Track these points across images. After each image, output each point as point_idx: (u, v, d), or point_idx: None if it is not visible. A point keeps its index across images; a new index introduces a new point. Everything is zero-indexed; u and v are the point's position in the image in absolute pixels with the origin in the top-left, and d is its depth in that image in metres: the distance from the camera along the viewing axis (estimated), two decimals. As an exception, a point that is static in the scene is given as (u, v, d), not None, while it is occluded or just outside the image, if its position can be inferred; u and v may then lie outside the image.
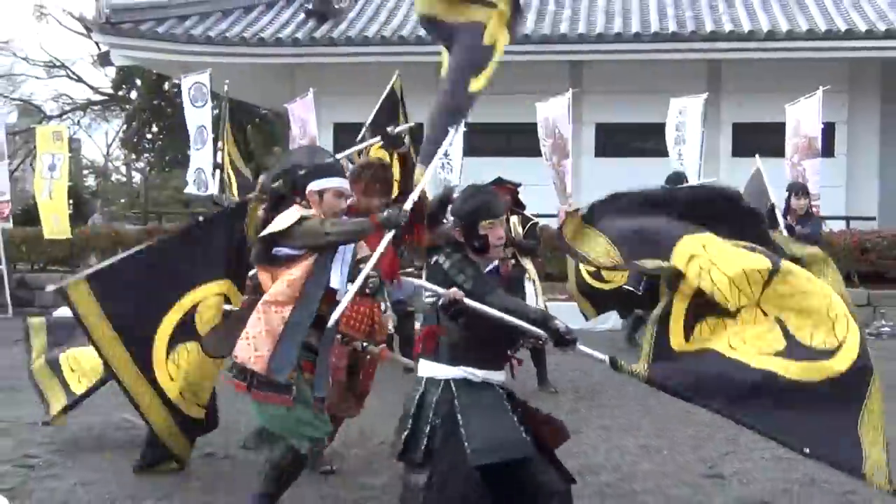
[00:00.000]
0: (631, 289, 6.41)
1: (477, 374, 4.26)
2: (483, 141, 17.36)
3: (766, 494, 6.06)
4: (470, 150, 15.98)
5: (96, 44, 26.20)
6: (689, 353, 4.31)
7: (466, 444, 4.11)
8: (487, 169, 12.38)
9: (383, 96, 10.42)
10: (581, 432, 7.25)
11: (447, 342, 4.29)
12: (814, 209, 10.29)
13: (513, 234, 9.47)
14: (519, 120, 17.71)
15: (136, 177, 42.87)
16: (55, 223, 16.88)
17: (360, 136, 9.11)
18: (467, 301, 4.11)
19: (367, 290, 5.62)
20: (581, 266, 6.68)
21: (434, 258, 4.41)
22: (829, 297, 4.24)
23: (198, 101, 16.53)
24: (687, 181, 11.20)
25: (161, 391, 5.94)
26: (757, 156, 9.87)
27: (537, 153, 16.24)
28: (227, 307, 6.09)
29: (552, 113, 15.62)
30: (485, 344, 4.29)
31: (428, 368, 4.35)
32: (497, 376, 4.36)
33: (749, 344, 4.22)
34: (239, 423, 7.81)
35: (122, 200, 39.63)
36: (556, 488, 4.20)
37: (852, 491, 6.29)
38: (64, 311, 16.46)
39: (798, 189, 9.64)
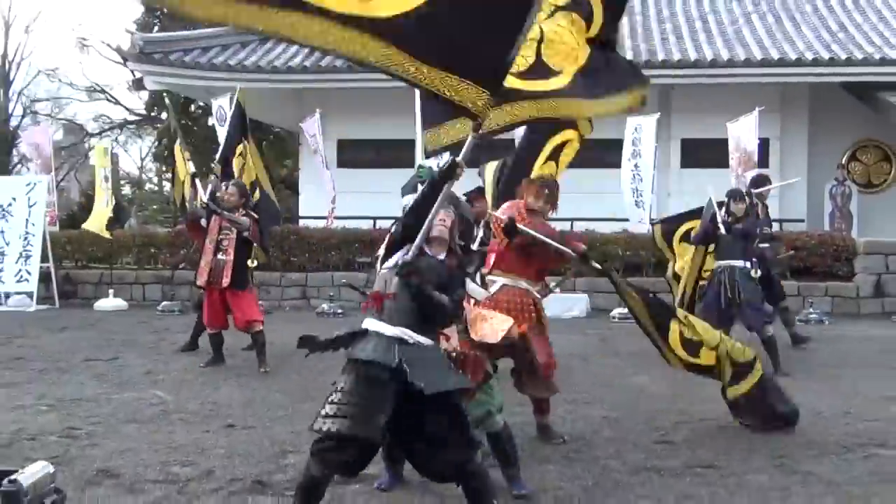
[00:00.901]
0: None
1: (414, 336, 4.24)
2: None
3: (711, 458, 6.06)
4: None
5: (131, 71, 26.15)
6: None
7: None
8: (469, 179, 12.39)
9: (230, 113, 10.31)
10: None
11: (393, 306, 4.28)
12: (758, 210, 10.29)
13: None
14: (500, 136, 17.66)
15: (167, 186, 42.69)
16: (101, 224, 16.95)
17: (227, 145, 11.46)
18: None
19: None
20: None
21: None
22: None
23: (222, 121, 16.65)
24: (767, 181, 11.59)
25: None
26: (710, 188, 9.89)
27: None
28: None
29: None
30: (423, 315, 4.27)
31: (372, 324, 4.31)
32: (427, 343, 4.31)
33: None
34: (255, 400, 7.79)
35: (155, 207, 39.51)
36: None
37: (785, 455, 6.30)
38: (104, 304, 16.42)
39: (736, 195, 9.67)
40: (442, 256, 4.48)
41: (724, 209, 9.45)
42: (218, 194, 9.86)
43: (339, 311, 14.66)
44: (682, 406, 7.82)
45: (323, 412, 4.15)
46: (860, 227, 18.02)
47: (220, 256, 9.31)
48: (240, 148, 11.40)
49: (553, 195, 6.46)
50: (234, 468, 5.64)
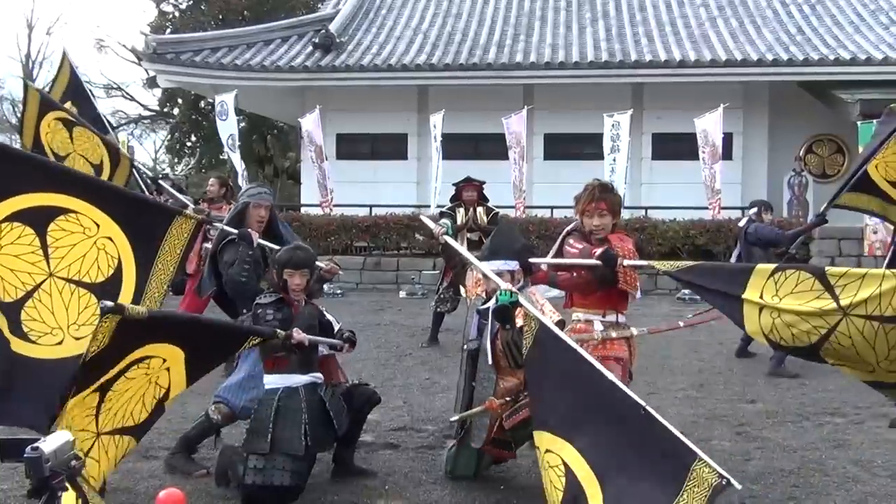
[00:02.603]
0: None
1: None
2: (457, 147, 17.34)
3: (677, 426, 6.04)
4: (447, 155, 16.03)
5: (145, 70, 25.98)
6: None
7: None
8: (460, 170, 12.38)
9: (68, 76, 7.99)
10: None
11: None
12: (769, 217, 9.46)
13: (479, 222, 9.48)
14: (485, 131, 17.66)
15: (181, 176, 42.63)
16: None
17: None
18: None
19: None
20: None
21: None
22: None
23: (222, 115, 16.70)
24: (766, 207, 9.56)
25: None
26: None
27: (499, 157, 16.32)
28: None
29: (514, 126, 15.68)
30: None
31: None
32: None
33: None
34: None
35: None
36: None
37: (746, 423, 6.33)
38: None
39: (765, 205, 9.40)
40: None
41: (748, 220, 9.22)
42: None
43: (339, 291, 14.66)
44: (652, 378, 7.85)
45: None
46: (815, 213, 18.06)
47: (206, 245, 9.11)
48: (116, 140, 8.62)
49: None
50: (241, 436, 5.63)
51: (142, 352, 3.57)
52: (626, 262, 4.60)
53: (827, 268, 3.90)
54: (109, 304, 3.27)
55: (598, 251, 4.63)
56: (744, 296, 3.97)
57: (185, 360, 3.78)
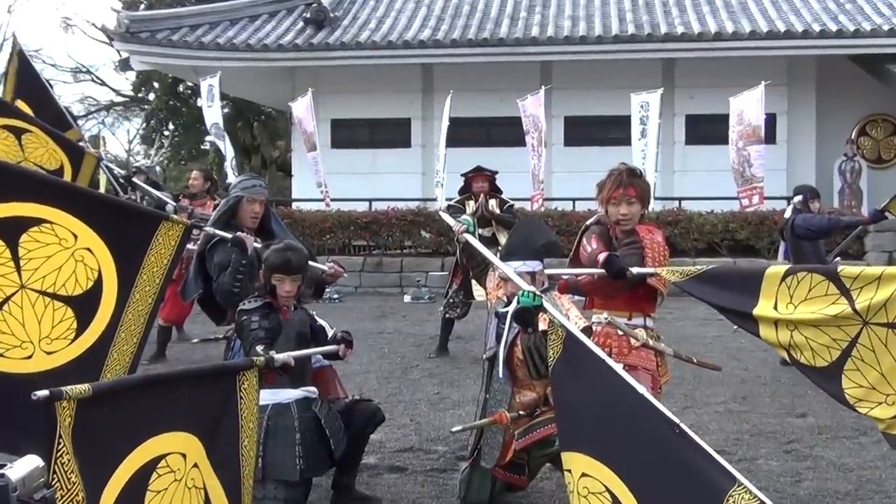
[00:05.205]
0: None
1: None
2: (466, 133, 17.32)
3: (720, 443, 6.07)
4: (453, 141, 15.95)
5: (117, 51, 26.03)
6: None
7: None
8: (469, 158, 12.37)
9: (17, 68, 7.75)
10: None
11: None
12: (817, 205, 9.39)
13: (489, 209, 9.50)
14: (498, 114, 17.66)
15: (157, 168, 42.73)
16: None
17: None
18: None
19: None
20: None
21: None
22: None
23: (210, 100, 16.66)
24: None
25: None
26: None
27: (514, 143, 16.29)
28: None
29: (531, 109, 15.61)
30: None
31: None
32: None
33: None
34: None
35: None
36: None
37: (795, 440, 6.31)
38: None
39: (812, 192, 9.23)
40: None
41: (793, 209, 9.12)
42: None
43: (336, 296, 14.66)
44: (689, 389, 7.84)
45: None
46: (870, 203, 17.95)
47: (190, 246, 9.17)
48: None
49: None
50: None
51: (143, 453, 3.18)
52: (634, 271, 4.51)
53: (840, 268, 3.89)
54: (42, 393, 2.79)
55: (602, 256, 4.55)
56: (756, 312, 3.97)
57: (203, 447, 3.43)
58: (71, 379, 3.82)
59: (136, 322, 4.55)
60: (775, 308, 3.93)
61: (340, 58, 18.45)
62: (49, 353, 4.27)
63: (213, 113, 16.80)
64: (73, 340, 4.37)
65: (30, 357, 4.24)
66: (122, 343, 4.51)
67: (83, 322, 4.41)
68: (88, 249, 4.46)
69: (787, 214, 9.31)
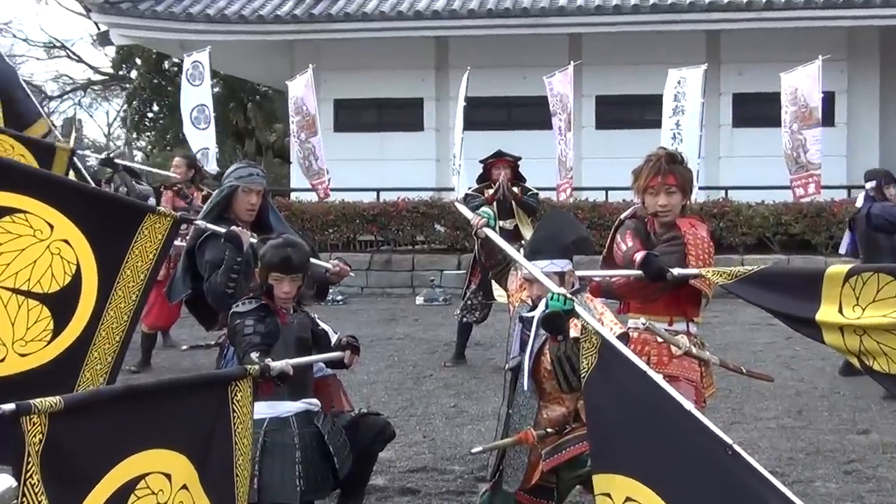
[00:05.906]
0: None
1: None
2: (485, 115, 17.32)
3: (772, 463, 6.05)
4: (470, 124, 15.89)
5: (95, 24, 26.07)
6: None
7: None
8: (487, 142, 12.37)
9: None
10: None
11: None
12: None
13: (507, 193, 9.52)
14: (521, 93, 17.64)
15: (138, 155, 42.81)
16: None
17: None
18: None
19: None
20: None
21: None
22: None
23: (195, 79, 16.53)
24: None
25: None
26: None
27: (538, 126, 16.25)
28: None
29: (558, 87, 15.54)
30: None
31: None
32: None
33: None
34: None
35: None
36: None
37: (856, 459, 6.29)
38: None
39: (888, 177, 9.04)
40: None
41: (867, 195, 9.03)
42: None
43: (340, 297, 14.68)
44: (737, 402, 7.82)
45: None
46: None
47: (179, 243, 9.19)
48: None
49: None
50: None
51: (121, 472, 3.15)
52: (675, 272, 4.49)
53: None
54: (7, 407, 2.75)
55: (639, 256, 4.53)
56: (818, 318, 3.97)
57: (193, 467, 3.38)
58: (48, 382, 3.84)
59: (118, 320, 4.56)
60: (840, 312, 3.92)
61: (344, 30, 18.46)
62: (24, 356, 4.27)
63: (200, 93, 16.58)
64: (49, 342, 4.37)
65: (2, 360, 4.25)
66: (103, 342, 4.52)
67: (60, 321, 4.41)
68: (66, 241, 4.44)
69: (859, 203, 9.22)
